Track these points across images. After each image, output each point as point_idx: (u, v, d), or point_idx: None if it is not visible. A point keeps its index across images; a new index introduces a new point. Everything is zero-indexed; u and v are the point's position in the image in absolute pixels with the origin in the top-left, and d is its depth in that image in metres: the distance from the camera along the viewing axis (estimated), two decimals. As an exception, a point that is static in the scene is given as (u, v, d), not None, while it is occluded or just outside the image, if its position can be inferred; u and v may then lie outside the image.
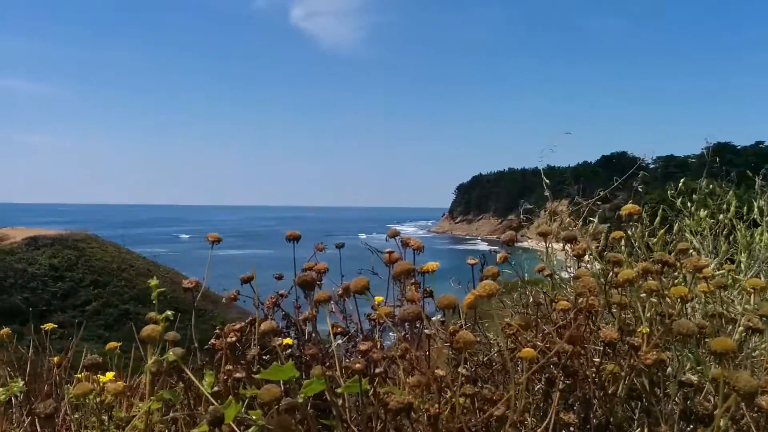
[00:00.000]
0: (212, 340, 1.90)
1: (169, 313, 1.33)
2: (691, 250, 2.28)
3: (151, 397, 1.23)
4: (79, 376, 2.07)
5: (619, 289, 1.52)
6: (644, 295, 1.52)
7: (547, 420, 1.32)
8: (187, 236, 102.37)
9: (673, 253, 1.81)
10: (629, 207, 1.45)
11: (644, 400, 1.51)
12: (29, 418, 1.93)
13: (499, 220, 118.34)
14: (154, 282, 1.36)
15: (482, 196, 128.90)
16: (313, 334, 1.69)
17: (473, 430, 1.32)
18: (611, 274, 1.47)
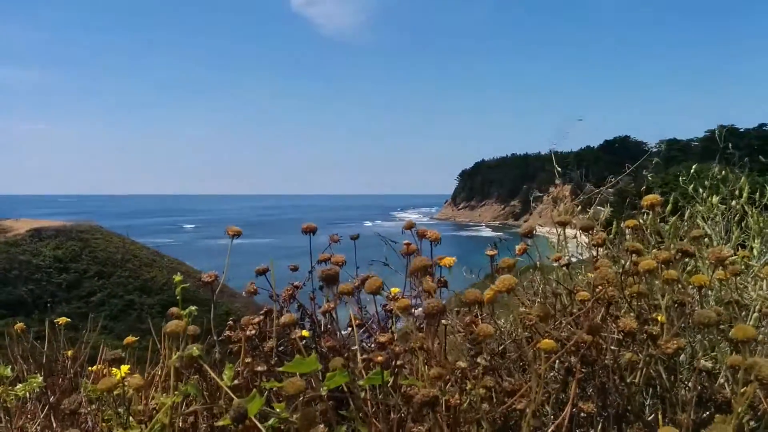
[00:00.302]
0: (227, 332, 1.90)
1: (193, 308, 1.33)
2: (705, 238, 2.27)
3: (175, 392, 1.23)
4: (92, 368, 2.08)
5: (635, 277, 1.52)
6: (658, 282, 1.51)
7: (566, 410, 1.32)
8: (191, 226, 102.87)
9: (686, 240, 1.80)
10: (651, 198, 1.43)
11: (659, 387, 1.51)
12: (44, 411, 1.93)
13: (502, 206, 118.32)
14: (178, 278, 1.36)
15: (485, 182, 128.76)
16: (329, 326, 1.69)
17: (492, 420, 1.33)
18: (629, 262, 1.46)
